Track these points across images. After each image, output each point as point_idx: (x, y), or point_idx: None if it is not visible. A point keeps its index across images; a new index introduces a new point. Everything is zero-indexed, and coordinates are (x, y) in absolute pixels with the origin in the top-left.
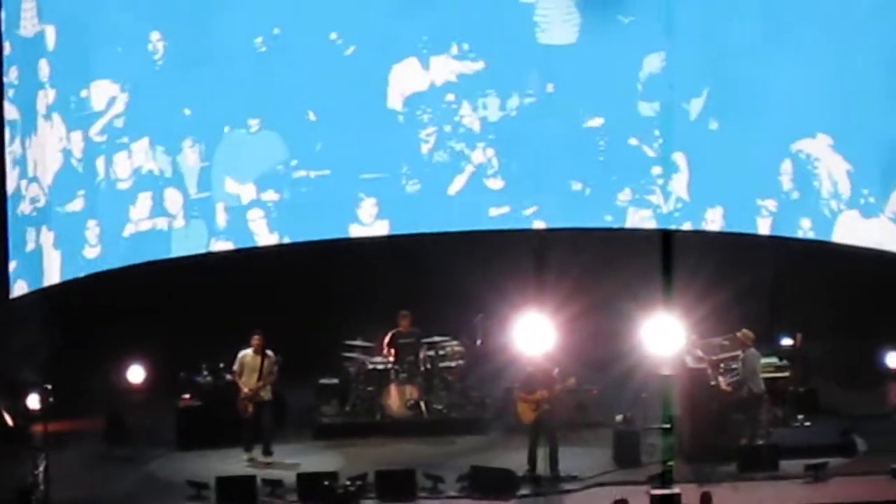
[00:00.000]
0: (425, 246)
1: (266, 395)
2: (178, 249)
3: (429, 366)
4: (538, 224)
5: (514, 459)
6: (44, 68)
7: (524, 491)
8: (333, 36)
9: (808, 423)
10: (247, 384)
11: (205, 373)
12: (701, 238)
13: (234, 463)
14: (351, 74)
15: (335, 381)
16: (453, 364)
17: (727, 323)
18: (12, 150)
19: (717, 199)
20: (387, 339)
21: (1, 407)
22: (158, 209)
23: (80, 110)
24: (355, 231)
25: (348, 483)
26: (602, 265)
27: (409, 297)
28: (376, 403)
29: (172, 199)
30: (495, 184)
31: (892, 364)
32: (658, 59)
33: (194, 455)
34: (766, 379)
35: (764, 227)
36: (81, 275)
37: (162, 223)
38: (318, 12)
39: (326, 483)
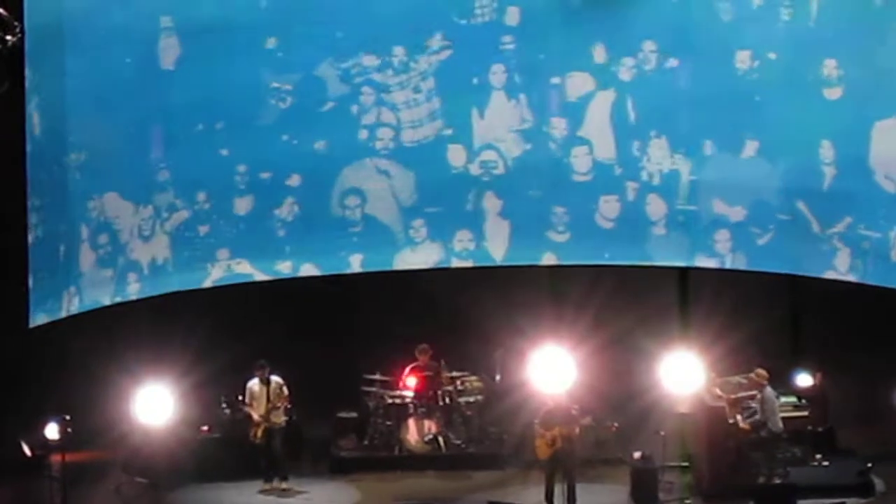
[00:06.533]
0: (446, 280)
1: (278, 419)
2: (658, 257)
3: (448, 400)
4: None
5: (532, 495)
6: None
7: None
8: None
9: (825, 463)
10: (256, 411)
11: (223, 405)
12: (718, 275)
13: (251, 495)
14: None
15: (354, 414)
16: (472, 399)
17: (746, 361)
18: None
19: None
20: (406, 374)
21: (20, 437)
22: (635, 211)
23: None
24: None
25: None
26: (621, 301)
27: (430, 332)
28: (395, 437)
29: (656, 205)
30: None
31: None
32: None
33: (212, 486)
34: (784, 418)
35: None
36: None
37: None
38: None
39: None
